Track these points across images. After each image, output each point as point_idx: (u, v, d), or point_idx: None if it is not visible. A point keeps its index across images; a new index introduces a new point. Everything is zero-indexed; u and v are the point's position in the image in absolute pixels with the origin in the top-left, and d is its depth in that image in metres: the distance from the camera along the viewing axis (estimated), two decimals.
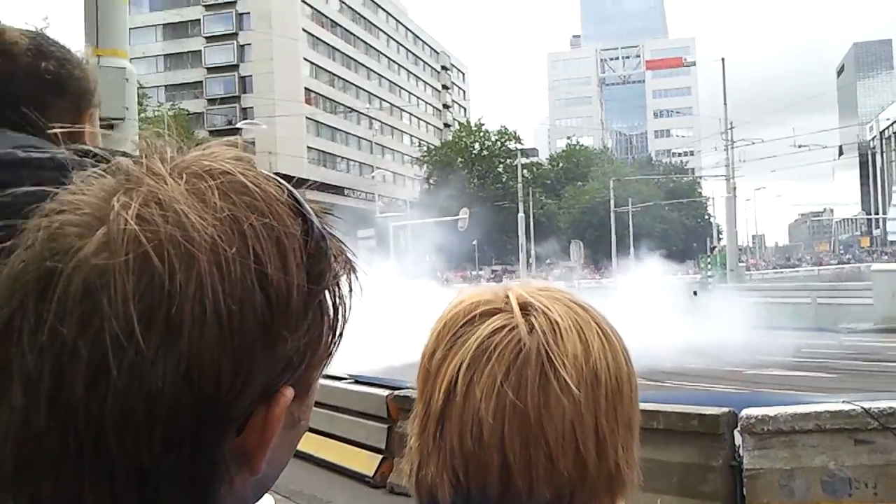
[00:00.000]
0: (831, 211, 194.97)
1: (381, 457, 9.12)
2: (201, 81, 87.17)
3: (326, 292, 0.63)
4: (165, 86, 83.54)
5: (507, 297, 0.87)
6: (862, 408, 6.10)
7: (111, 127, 7.06)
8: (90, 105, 1.51)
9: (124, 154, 0.62)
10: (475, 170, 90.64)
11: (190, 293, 0.53)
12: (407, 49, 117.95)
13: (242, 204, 0.58)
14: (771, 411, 6.40)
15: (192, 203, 0.56)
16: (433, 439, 0.86)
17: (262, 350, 0.57)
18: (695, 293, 23.06)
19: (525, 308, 0.85)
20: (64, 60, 1.45)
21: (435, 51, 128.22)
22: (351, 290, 0.65)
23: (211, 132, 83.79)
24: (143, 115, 66.29)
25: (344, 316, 0.65)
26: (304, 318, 0.60)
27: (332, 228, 0.65)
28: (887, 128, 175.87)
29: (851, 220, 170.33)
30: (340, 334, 0.65)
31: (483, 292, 0.89)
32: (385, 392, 9.42)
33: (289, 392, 0.60)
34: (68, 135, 1.44)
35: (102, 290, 0.53)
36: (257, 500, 0.65)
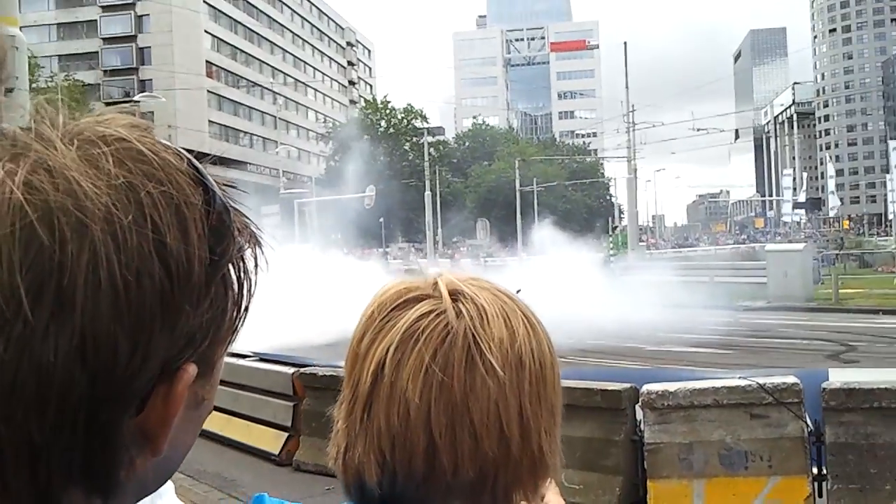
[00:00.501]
0: (727, 193, 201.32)
1: (286, 434, 9.02)
2: (97, 52, 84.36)
3: (230, 266, 0.60)
4: (59, 56, 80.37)
5: (437, 283, 0.89)
6: (757, 383, 6.30)
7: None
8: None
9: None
10: (381, 147, 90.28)
11: (82, 264, 0.51)
12: (311, 24, 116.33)
13: (139, 172, 0.55)
14: (671, 387, 6.55)
15: (85, 170, 0.53)
16: (360, 421, 0.87)
17: (162, 324, 0.54)
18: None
19: (454, 294, 0.87)
20: None
21: (340, 26, 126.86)
22: (256, 266, 0.63)
23: (107, 104, 79.88)
24: (34, 85, 63.63)
25: (249, 291, 0.63)
26: (207, 293, 0.57)
27: (235, 202, 0.62)
28: (780, 113, 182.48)
29: (747, 201, 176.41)
30: (245, 310, 0.63)
31: (413, 280, 0.91)
32: (290, 370, 9.31)
33: (191, 369, 0.58)
34: None
35: None
36: (161, 485, 0.64)
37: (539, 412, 0.87)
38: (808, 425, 6.29)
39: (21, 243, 0.50)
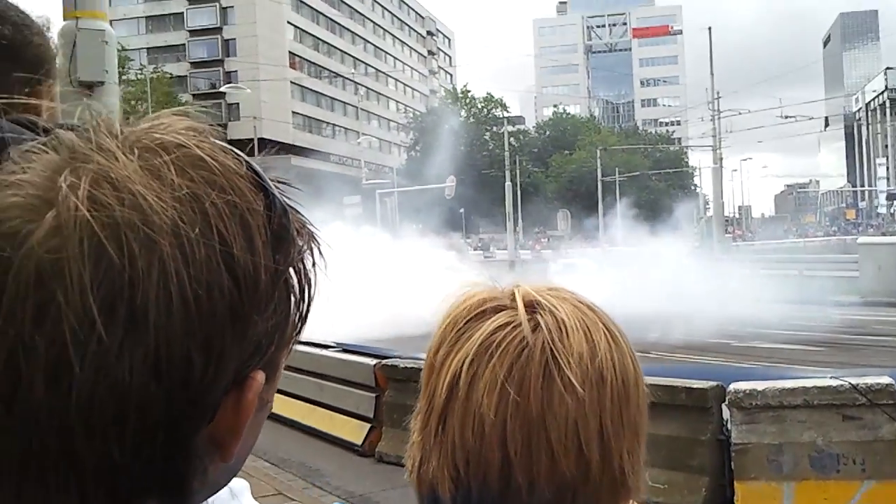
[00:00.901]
0: (817, 183, 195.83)
1: (369, 426, 9.12)
2: (184, 44, 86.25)
3: (291, 269, 0.60)
4: (147, 48, 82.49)
5: (514, 294, 0.86)
6: (850, 383, 6.12)
7: (91, 90, 6.95)
8: (48, 76, 1.39)
9: (71, 127, 0.57)
10: (462, 137, 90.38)
11: (153, 280, 0.50)
12: (392, 14, 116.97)
13: (201, 180, 0.55)
14: (759, 385, 6.41)
15: (148, 182, 0.53)
16: (434, 434, 0.85)
17: (233, 335, 0.55)
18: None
19: (531, 306, 0.84)
20: (22, 26, 1.34)
21: (420, 16, 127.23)
22: (314, 265, 0.63)
23: (194, 95, 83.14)
24: (124, 77, 65.53)
25: (309, 293, 0.63)
26: (272, 299, 0.58)
27: (292, 200, 0.62)
28: (872, 100, 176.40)
29: (837, 192, 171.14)
30: (307, 312, 0.63)
31: (490, 290, 0.88)
32: (373, 361, 9.41)
33: (260, 376, 0.59)
34: (24, 108, 1.35)
35: (57, 279, 0.49)
36: (226, 484, 0.65)
37: (621, 431, 0.83)
38: None
39: (90, 261, 0.49)
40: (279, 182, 0.61)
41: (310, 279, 0.62)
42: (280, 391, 8.65)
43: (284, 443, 9.49)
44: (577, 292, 0.89)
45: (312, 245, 0.63)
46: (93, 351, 0.49)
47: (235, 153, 0.59)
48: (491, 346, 0.82)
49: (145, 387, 0.51)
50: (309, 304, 0.63)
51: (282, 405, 10.33)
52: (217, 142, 0.59)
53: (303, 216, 0.63)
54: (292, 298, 0.61)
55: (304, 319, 0.63)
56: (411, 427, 0.90)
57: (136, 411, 0.51)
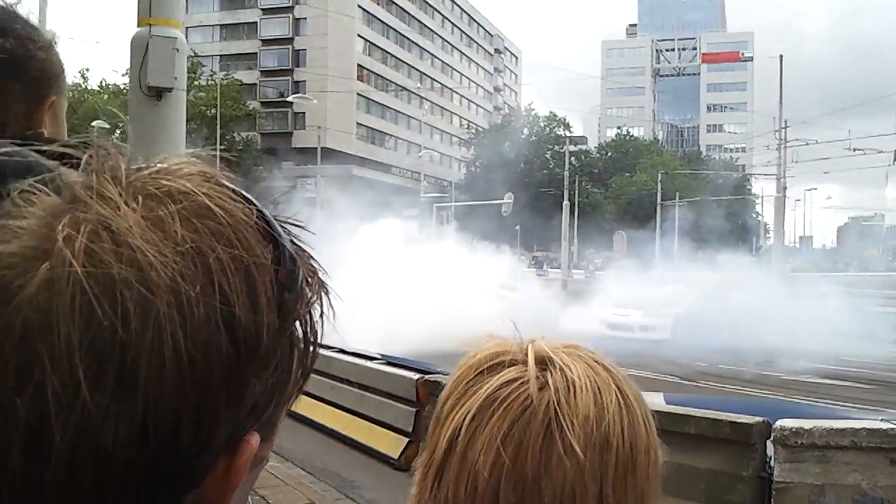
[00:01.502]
0: (882, 216, 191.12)
1: (407, 440, 9.11)
2: (256, 53, 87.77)
3: (297, 323, 0.58)
4: (220, 55, 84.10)
5: (528, 349, 0.83)
6: None
7: (160, 96, 7.10)
8: (52, 91, 1.37)
9: (79, 144, 0.55)
10: (522, 155, 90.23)
11: (146, 342, 0.48)
12: (461, 30, 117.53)
13: (207, 231, 0.52)
14: (806, 424, 6.26)
15: (150, 235, 0.50)
16: (430, 488, 0.82)
17: (227, 399, 0.52)
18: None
19: (543, 362, 0.81)
20: (26, 39, 1.31)
21: (489, 33, 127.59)
22: (322, 314, 0.60)
23: (263, 104, 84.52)
24: (196, 83, 66.89)
25: (315, 346, 0.60)
26: (273, 358, 0.55)
27: (303, 244, 0.60)
28: None
29: None
30: (311, 365, 0.61)
31: (506, 342, 0.85)
32: (415, 375, 9.40)
33: (255, 440, 0.56)
34: (24, 123, 1.31)
35: (44, 338, 0.47)
36: None
37: (624, 500, 0.79)
38: None
39: (81, 321, 0.47)
40: (292, 224, 0.59)
41: (316, 331, 0.60)
42: (321, 399, 8.68)
43: (322, 452, 9.53)
44: (595, 351, 0.86)
45: (322, 293, 0.60)
46: (76, 417, 0.47)
47: (246, 199, 0.56)
48: (494, 402, 0.79)
49: (129, 454, 0.48)
50: (314, 358, 0.61)
51: (322, 413, 10.39)
52: (228, 186, 0.56)
53: (314, 262, 0.61)
54: (296, 353, 0.58)
55: (307, 374, 0.61)
56: (414, 478, 0.87)
57: (117, 479, 0.48)
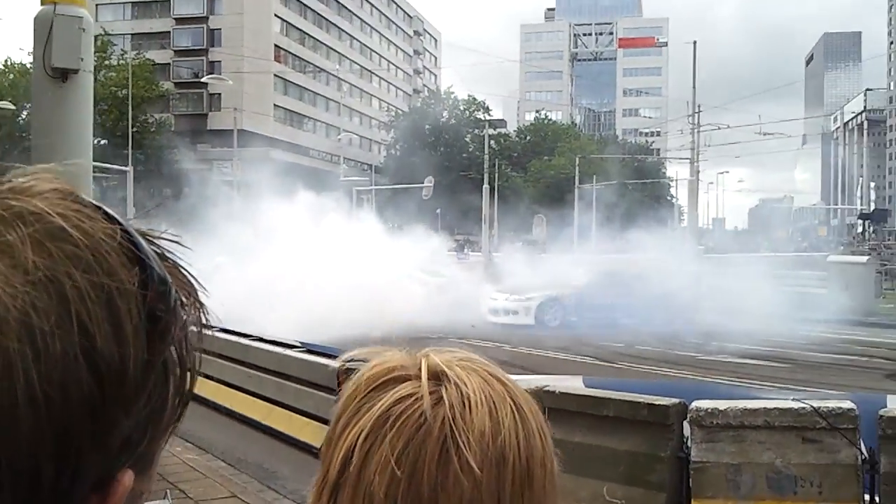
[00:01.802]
0: (791, 199, 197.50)
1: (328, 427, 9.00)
2: (169, 32, 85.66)
3: (172, 348, 0.54)
4: (132, 34, 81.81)
5: (420, 363, 0.80)
6: (811, 406, 6.10)
7: (65, 78, 6.82)
8: None
9: None
10: (442, 138, 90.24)
11: None
12: (380, 11, 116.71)
13: (62, 256, 0.47)
14: (721, 405, 6.38)
15: None
16: None
17: (93, 438, 0.48)
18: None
19: (437, 377, 0.79)
20: None
21: (408, 14, 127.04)
22: (201, 332, 0.57)
23: (177, 84, 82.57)
24: (107, 63, 64.92)
25: (193, 370, 0.56)
26: (144, 389, 0.51)
27: (177, 258, 0.56)
28: (851, 120, 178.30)
29: (810, 208, 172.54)
30: (190, 392, 0.57)
31: (400, 357, 0.82)
32: (336, 363, 9.25)
33: (127, 478, 0.52)
34: None
35: None
36: None
37: None
38: (862, 453, 6.07)
39: None
40: (164, 238, 0.56)
41: (193, 355, 0.56)
42: (239, 388, 8.50)
43: (242, 443, 9.38)
44: (489, 363, 0.84)
45: (199, 312, 0.57)
46: None
47: (109, 216, 0.52)
48: (388, 420, 0.76)
49: None
50: (192, 383, 0.56)
51: (241, 403, 10.22)
52: (87, 203, 0.51)
53: (190, 278, 0.57)
54: (171, 381, 0.54)
55: (185, 401, 0.56)
56: (308, 500, 0.84)
57: None
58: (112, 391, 0.48)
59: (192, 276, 0.57)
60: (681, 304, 22.78)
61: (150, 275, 0.52)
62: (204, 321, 0.57)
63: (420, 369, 0.80)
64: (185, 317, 0.55)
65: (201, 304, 0.57)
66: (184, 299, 0.55)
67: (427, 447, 0.75)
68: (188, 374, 0.56)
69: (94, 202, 0.52)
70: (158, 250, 0.55)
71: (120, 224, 0.52)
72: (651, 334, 20.39)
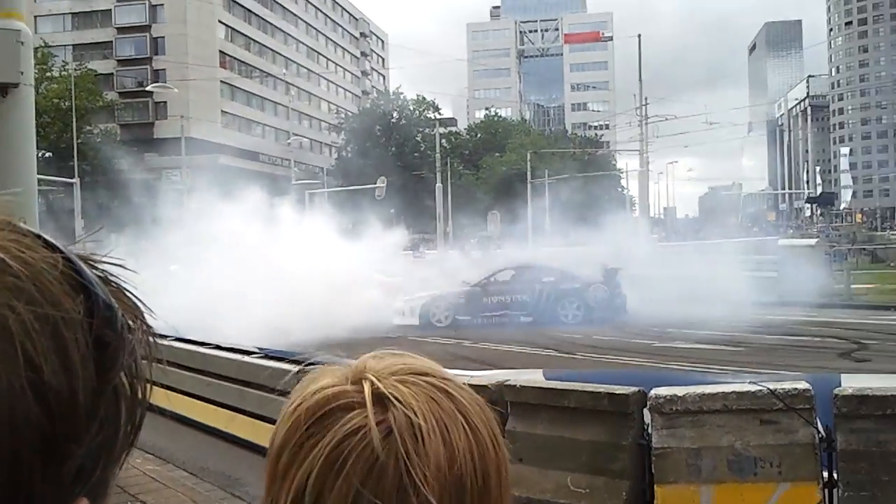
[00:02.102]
0: (740, 186, 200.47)
1: None
2: (111, 41, 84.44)
3: (122, 374, 0.53)
4: (73, 45, 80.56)
5: (363, 386, 0.75)
6: (768, 389, 6.20)
7: (4, 93, 6.69)
8: None
9: None
10: (393, 138, 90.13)
11: None
12: (326, 15, 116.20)
13: (3, 289, 0.46)
14: (679, 391, 6.46)
15: None
16: None
17: (44, 472, 0.46)
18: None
19: (381, 402, 0.73)
20: None
21: (354, 17, 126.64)
22: (150, 355, 0.56)
23: (121, 94, 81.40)
24: (48, 74, 63.79)
25: (144, 394, 0.55)
26: (95, 417, 0.50)
27: (122, 284, 0.54)
28: (794, 106, 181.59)
29: (759, 194, 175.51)
30: (142, 417, 0.55)
31: (339, 376, 0.77)
32: (296, 367, 9.19)
33: None
34: None
35: None
36: None
37: None
38: (819, 432, 6.19)
39: None
40: (107, 262, 0.54)
41: (143, 378, 0.55)
42: (201, 397, 8.43)
43: (204, 452, 9.29)
44: (432, 366, 0.79)
45: (147, 336, 0.56)
46: None
47: (50, 245, 0.51)
48: (338, 461, 0.71)
49: None
50: (143, 408, 0.55)
51: (202, 412, 10.11)
52: (27, 232, 0.50)
53: (135, 301, 0.56)
54: (122, 406, 0.53)
55: (138, 427, 0.55)
56: None
57: None
58: (62, 422, 0.47)
59: (137, 298, 0.56)
60: (633, 295, 23.00)
61: (95, 301, 0.51)
62: (152, 344, 0.56)
63: (362, 393, 0.74)
64: (132, 341, 0.54)
65: (149, 327, 0.56)
66: (131, 323, 0.54)
67: (384, 487, 0.70)
68: (138, 399, 0.55)
69: (32, 230, 0.50)
70: (102, 274, 0.53)
71: (61, 252, 0.51)
72: (607, 325, 20.58)
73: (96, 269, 0.53)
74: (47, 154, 53.09)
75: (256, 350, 10.43)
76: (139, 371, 0.55)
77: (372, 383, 0.74)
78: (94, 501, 0.52)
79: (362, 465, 0.70)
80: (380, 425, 0.71)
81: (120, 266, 0.55)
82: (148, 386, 0.56)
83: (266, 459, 0.77)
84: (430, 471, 0.71)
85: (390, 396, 0.73)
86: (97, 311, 0.50)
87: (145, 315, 0.56)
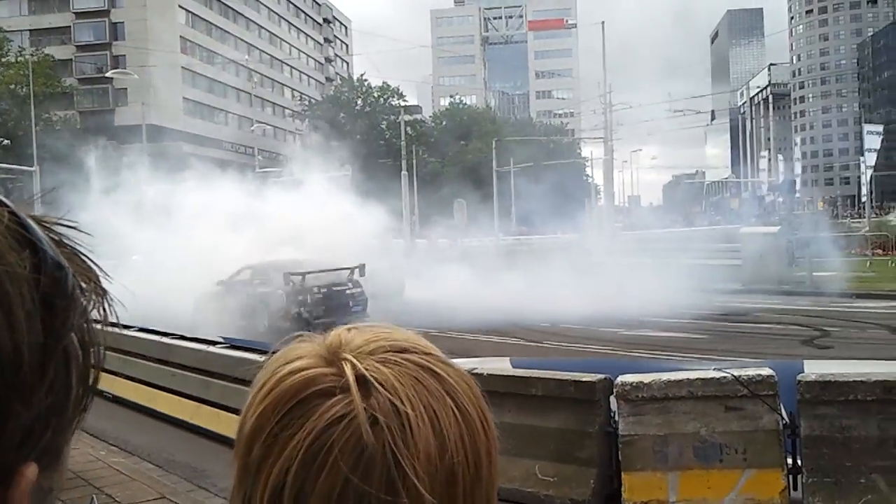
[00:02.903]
0: (703, 174, 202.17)
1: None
2: (69, 26, 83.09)
3: (74, 335, 0.51)
4: (30, 30, 79.12)
5: (342, 368, 0.68)
6: (732, 375, 6.26)
7: None
8: None
9: None
10: (358, 126, 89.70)
11: None
12: (288, 0, 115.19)
13: None
14: (645, 378, 6.50)
15: None
16: None
17: None
18: None
19: (364, 385, 0.67)
20: None
21: (317, 2, 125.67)
22: (106, 320, 0.54)
23: (80, 80, 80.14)
24: (4, 60, 62.59)
25: (97, 357, 0.53)
26: (43, 378, 0.48)
27: (76, 245, 0.53)
28: (756, 94, 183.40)
29: (722, 182, 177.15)
30: (95, 380, 0.53)
31: (313, 353, 0.70)
32: (262, 357, 9.14)
33: (30, 471, 0.49)
34: None
35: None
36: None
37: None
38: (783, 418, 6.26)
39: None
40: (61, 224, 0.53)
41: (98, 342, 0.53)
42: (165, 388, 8.32)
43: (169, 443, 9.20)
44: (415, 340, 0.73)
45: (102, 299, 0.54)
46: None
47: None
48: (320, 452, 0.65)
49: None
50: (97, 372, 0.53)
51: (165, 403, 10.01)
52: None
53: (90, 263, 0.53)
54: (74, 368, 0.51)
55: (90, 391, 0.53)
56: None
57: None
58: (6, 381, 0.46)
59: (93, 261, 0.54)
60: (599, 283, 23.12)
61: (42, 258, 0.49)
62: (107, 308, 0.54)
63: (341, 375, 0.68)
64: (84, 303, 0.52)
65: (104, 291, 0.54)
66: (83, 285, 0.52)
67: (372, 481, 0.64)
68: (92, 362, 0.53)
69: None
70: (56, 237, 0.52)
71: (8, 207, 0.50)
72: (574, 313, 20.66)
73: (51, 231, 0.51)
74: (5, 142, 52.11)
75: (221, 340, 10.34)
76: (92, 333, 0.53)
77: (352, 365, 0.68)
78: (45, 468, 0.51)
79: (348, 456, 0.64)
80: (365, 411, 0.66)
81: (74, 228, 0.53)
82: (102, 350, 0.54)
83: (235, 450, 0.70)
84: (419, 462, 0.66)
85: (373, 381, 0.67)
86: (45, 267, 0.49)
87: (101, 278, 0.54)
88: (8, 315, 0.46)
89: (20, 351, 0.46)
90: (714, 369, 6.55)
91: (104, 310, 0.54)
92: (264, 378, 0.71)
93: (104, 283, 0.55)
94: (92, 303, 0.53)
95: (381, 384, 0.67)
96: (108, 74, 56.77)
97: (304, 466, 0.65)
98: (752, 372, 6.34)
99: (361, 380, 0.67)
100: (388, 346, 0.71)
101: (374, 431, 0.65)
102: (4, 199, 0.50)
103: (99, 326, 0.53)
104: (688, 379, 6.39)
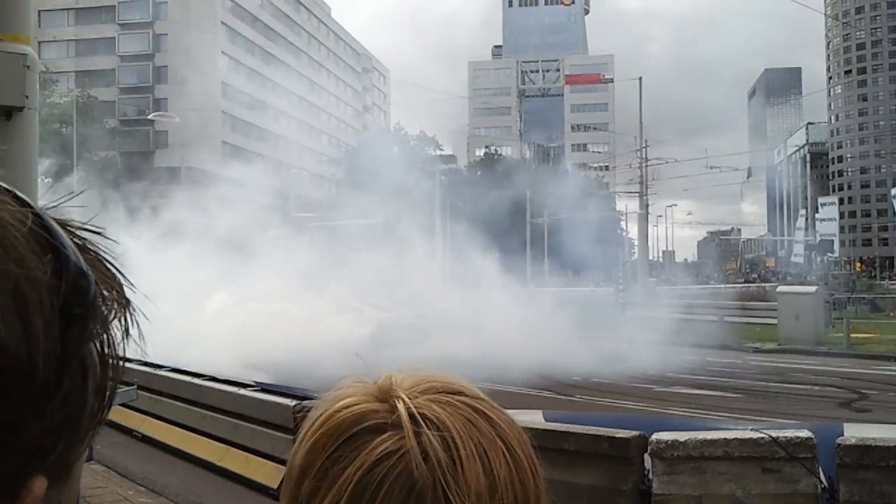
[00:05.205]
0: (739, 231, 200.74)
1: (285, 469, 8.83)
2: (114, 69, 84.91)
3: (92, 345, 0.49)
4: (76, 72, 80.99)
5: (395, 405, 0.68)
6: (770, 436, 6.12)
7: (9, 116, 6.68)
8: None
9: None
10: (393, 174, 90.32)
11: None
12: (328, 48, 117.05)
13: None
14: (681, 436, 6.38)
15: None
16: None
17: None
18: None
19: (416, 422, 0.66)
20: None
21: (356, 52, 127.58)
22: (128, 333, 0.52)
23: (122, 122, 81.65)
24: (49, 100, 63.99)
25: (115, 370, 0.51)
26: (58, 389, 0.46)
27: (102, 253, 0.51)
28: (794, 153, 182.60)
29: (757, 240, 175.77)
30: (112, 394, 0.52)
31: (363, 392, 0.70)
32: (292, 402, 9.14)
33: (38, 485, 0.47)
34: None
35: None
36: None
37: None
38: (821, 482, 6.10)
39: None
40: (86, 229, 0.51)
41: (116, 353, 0.51)
42: (193, 429, 8.32)
43: (197, 485, 9.16)
44: (464, 384, 0.73)
45: (125, 308, 0.52)
46: None
47: (20, 200, 0.48)
48: (371, 486, 0.64)
49: None
50: (115, 386, 0.52)
51: (195, 445, 9.98)
52: None
53: (114, 272, 0.52)
54: (90, 381, 0.49)
55: (106, 405, 0.51)
56: None
57: None
58: (18, 390, 0.44)
59: (117, 269, 0.52)
60: (633, 338, 22.89)
61: (64, 264, 0.47)
62: (129, 318, 0.53)
63: (393, 412, 0.68)
64: (105, 313, 0.50)
65: (127, 301, 0.53)
66: (105, 293, 0.51)
67: None
68: (110, 375, 0.51)
69: (3, 185, 0.48)
70: (80, 241, 0.50)
71: (32, 209, 0.48)
72: (607, 368, 20.46)
73: (75, 236, 0.50)
74: (47, 179, 53.12)
75: (252, 383, 10.33)
76: (112, 345, 0.51)
77: (405, 404, 0.68)
78: (55, 482, 0.49)
79: (398, 491, 0.64)
80: (415, 448, 0.66)
81: (100, 234, 0.52)
82: (121, 363, 0.52)
83: (284, 485, 0.71)
84: (469, 500, 0.65)
85: (424, 418, 0.67)
86: (66, 274, 0.47)
87: (124, 288, 0.53)
88: (25, 322, 0.44)
89: (35, 360, 0.45)
90: (751, 429, 6.41)
91: (126, 321, 0.52)
92: (316, 414, 0.70)
93: (127, 293, 0.53)
94: (113, 313, 0.51)
95: (432, 422, 0.66)
96: (149, 117, 57.87)
97: (354, 501, 0.64)
98: (790, 433, 6.20)
99: (413, 417, 0.67)
100: (439, 388, 0.71)
101: (425, 467, 0.64)
102: (28, 200, 0.48)
103: (119, 338, 0.52)
104: (724, 438, 6.26)
